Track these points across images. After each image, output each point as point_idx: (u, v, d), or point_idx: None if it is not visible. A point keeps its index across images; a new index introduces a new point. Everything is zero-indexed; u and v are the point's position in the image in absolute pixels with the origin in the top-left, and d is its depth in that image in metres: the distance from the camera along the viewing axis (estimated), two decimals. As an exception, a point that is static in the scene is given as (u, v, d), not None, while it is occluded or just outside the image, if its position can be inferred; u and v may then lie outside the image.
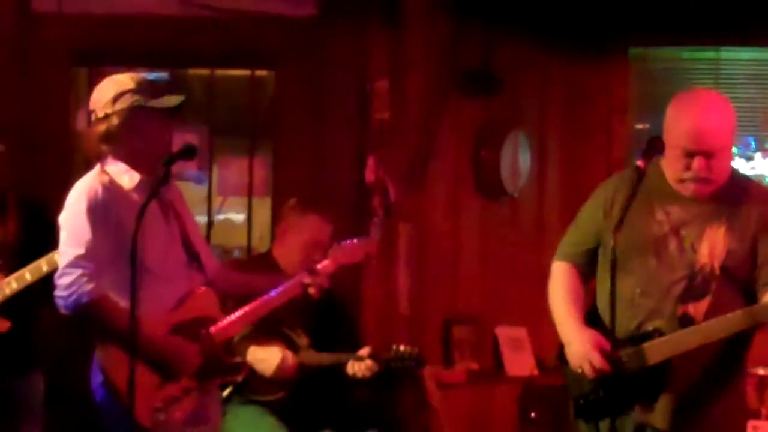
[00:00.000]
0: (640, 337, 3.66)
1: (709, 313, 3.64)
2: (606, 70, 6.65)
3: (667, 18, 6.36)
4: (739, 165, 6.65)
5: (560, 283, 3.91)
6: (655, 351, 3.64)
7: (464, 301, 6.39)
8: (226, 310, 4.09)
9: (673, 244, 3.69)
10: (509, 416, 6.26)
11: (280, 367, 4.70)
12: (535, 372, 6.37)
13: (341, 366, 4.80)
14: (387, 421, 5.29)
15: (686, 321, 3.65)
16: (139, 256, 3.52)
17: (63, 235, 3.77)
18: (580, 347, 3.71)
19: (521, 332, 6.40)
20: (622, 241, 3.62)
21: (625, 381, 3.65)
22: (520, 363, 6.38)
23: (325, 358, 4.83)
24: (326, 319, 4.93)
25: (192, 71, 6.57)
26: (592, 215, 3.88)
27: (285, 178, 5.95)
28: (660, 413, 3.69)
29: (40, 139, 5.74)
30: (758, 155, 6.68)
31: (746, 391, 3.98)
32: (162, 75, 6.02)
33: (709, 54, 6.78)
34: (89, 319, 3.73)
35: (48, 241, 3.88)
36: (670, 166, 3.72)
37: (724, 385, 3.74)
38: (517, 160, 6.48)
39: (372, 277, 5.88)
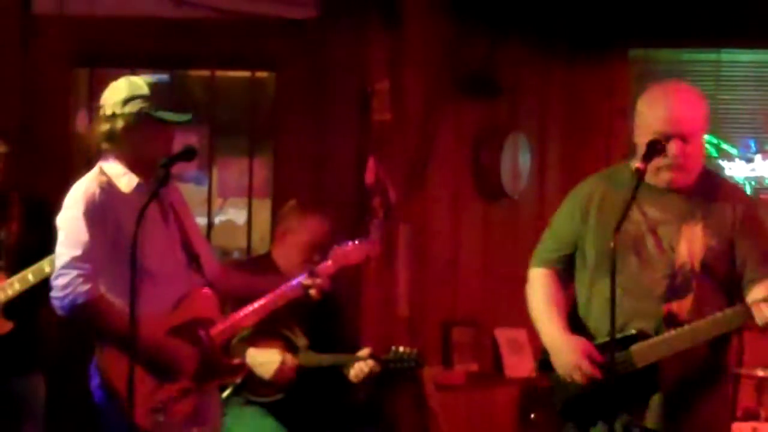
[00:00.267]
0: (625, 339, 3.66)
1: (693, 311, 3.67)
2: (606, 72, 6.66)
3: (668, 20, 6.37)
4: (740, 167, 6.67)
5: (541, 289, 3.92)
6: (643, 354, 3.65)
7: (464, 302, 6.39)
8: (226, 312, 4.10)
9: (651, 244, 3.72)
10: (508, 418, 6.26)
11: (280, 371, 4.70)
12: (534, 374, 6.37)
13: (340, 367, 4.81)
14: (386, 423, 5.29)
15: (671, 320, 3.67)
16: (137, 257, 3.52)
17: (60, 236, 3.77)
18: (569, 356, 3.73)
19: (521, 334, 6.39)
20: (601, 243, 3.64)
21: (615, 384, 3.65)
22: (519, 365, 6.39)
23: (325, 359, 4.83)
24: (325, 320, 4.93)
25: (193, 72, 6.57)
26: (568, 221, 3.90)
27: (285, 179, 5.94)
28: (649, 413, 3.70)
29: (40, 140, 5.72)
30: (758, 157, 6.68)
31: (730, 392, 4.02)
32: (163, 77, 6.03)
33: (710, 56, 6.79)
34: (85, 320, 3.73)
35: (50, 242, 3.87)
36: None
37: (709, 384, 3.76)
38: (517, 162, 6.49)
39: (372, 279, 5.87)
